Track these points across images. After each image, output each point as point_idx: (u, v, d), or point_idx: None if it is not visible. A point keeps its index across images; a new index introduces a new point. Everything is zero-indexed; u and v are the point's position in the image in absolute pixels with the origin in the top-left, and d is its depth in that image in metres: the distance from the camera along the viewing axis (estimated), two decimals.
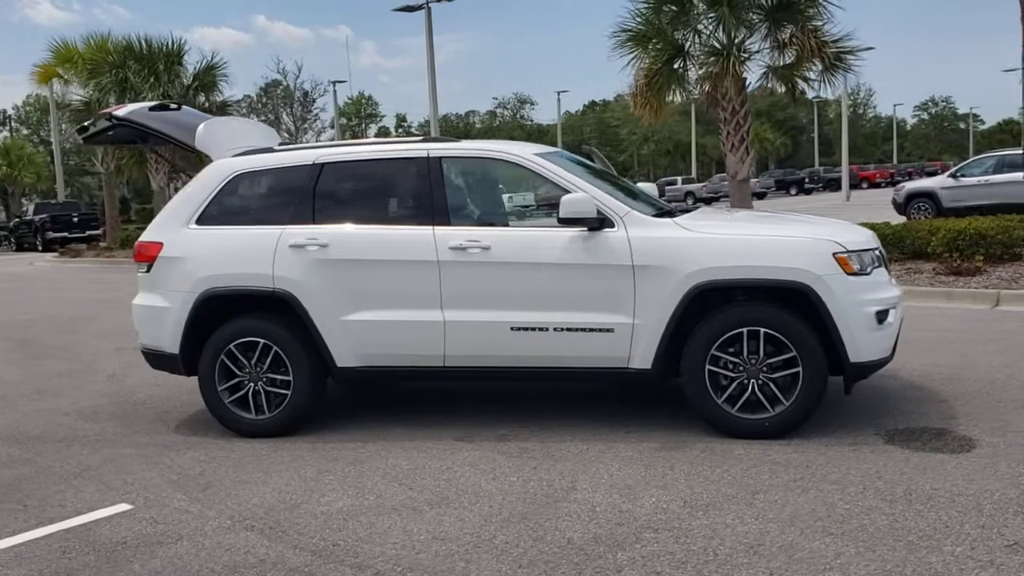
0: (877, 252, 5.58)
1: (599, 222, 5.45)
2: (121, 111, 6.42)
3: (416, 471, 5.15)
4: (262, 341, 5.90)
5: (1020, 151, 25.16)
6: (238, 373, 5.98)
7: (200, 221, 6.09)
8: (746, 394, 5.34)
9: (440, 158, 5.83)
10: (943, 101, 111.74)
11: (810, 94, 16.01)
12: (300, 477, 5.16)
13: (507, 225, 6.10)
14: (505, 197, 6.77)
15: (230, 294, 5.94)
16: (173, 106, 6.72)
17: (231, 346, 5.94)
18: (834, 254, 5.27)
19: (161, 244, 6.11)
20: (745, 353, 5.33)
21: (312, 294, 5.77)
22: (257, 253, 5.88)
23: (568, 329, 5.52)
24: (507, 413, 6.24)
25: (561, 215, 5.39)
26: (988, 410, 5.76)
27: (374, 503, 4.68)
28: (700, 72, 13.52)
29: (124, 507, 4.83)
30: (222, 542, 4.29)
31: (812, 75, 13.53)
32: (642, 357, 5.46)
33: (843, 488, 4.54)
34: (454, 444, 5.62)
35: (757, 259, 5.29)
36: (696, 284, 5.29)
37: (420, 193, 5.83)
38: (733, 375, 5.36)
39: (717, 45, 13.68)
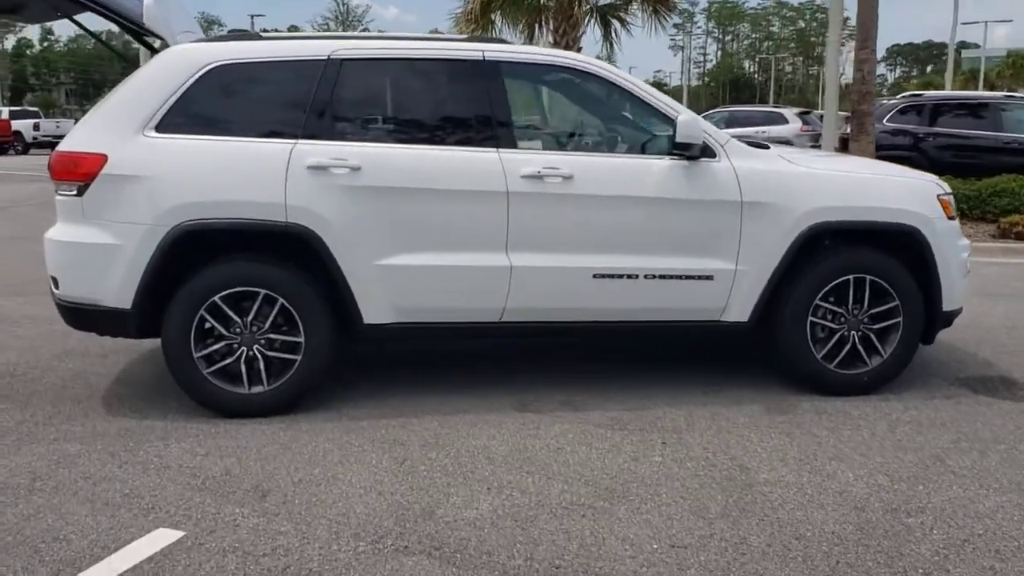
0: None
1: (701, 150, 4.67)
2: None
3: (522, 454, 4.13)
4: (263, 291, 4.45)
5: (746, 107, 27.39)
6: (225, 334, 4.48)
7: (161, 128, 4.43)
8: (846, 347, 4.90)
9: (498, 62, 4.67)
10: None
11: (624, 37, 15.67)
12: (381, 469, 3.93)
13: (585, 150, 5.07)
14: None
15: (220, 229, 4.39)
16: None
17: (216, 299, 4.43)
18: (938, 196, 4.95)
19: (104, 156, 4.36)
20: (849, 303, 4.86)
21: (338, 231, 4.43)
22: (260, 175, 4.40)
23: (661, 276, 4.71)
24: (537, 373, 5.30)
25: (678, 139, 4.54)
26: (995, 356, 5.82)
27: (527, 502, 3.63)
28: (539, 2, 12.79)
29: (173, 534, 3.35)
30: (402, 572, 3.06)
31: (634, 18, 13.36)
32: (740, 308, 4.81)
33: (1014, 446, 4.25)
34: (522, 416, 4.63)
35: (875, 199, 4.83)
36: (811, 226, 4.72)
37: (476, 106, 4.64)
38: (834, 327, 4.89)
39: None
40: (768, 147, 5.08)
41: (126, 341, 5.16)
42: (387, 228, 4.48)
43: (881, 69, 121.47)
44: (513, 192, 4.53)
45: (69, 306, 4.54)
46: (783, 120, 22.59)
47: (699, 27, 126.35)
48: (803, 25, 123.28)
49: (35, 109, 44.01)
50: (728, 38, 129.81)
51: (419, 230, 4.52)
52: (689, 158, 4.67)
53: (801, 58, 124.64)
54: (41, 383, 5.16)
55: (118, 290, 4.38)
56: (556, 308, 4.73)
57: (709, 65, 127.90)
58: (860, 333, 4.91)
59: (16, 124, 35.22)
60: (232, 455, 4.09)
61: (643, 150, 4.91)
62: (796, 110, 24.31)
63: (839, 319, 4.88)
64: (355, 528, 3.40)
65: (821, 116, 23.30)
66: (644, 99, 4.77)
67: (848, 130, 15.67)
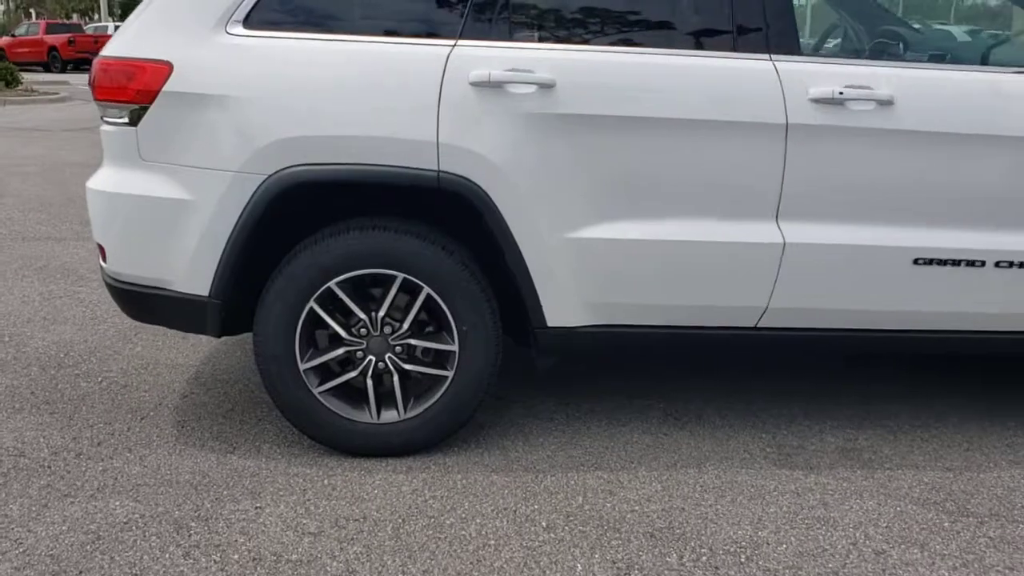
0: None
1: None
2: None
3: (821, 562, 2.53)
4: (400, 276, 2.91)
5: None
6: (345, 337, 2.97)
7: (251, 22, 2.88)
8: None
9: None
10: None
11: None
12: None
13: (905, 59, 3.30)
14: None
15: (338, 180, 2.84)
16: None
17: (332, 285, 2.91)
18: None
19: (168, 65, 2.85)
20: None
21: (515, 185, 2.82)
22: (399, 96, 2.81)
23: (1021, 265, 2.96)
24: (780, 393, 3.66)
25: None
26: None
27: None
28: None
29: None
30: None
31: None
32: None
33: None
34: (790, 476, 3.02)
35: None
36: None
37: None
38: None
39: None
40: None
41: None
42: (589, 182, 2.86)
43: None
44: (795, 125, 2.84)
45: (122, 288, 3.10)
46: None
47: None
48: None
49: None
50: None
51: (638, 185, 2.88)
52: None
53: None
54: (96, 380, 3.80)
55: (190, 266, 2.92)
56: (848, 310, 3.04)
57: None
58: None
59: None
60: (356, 538, 2.61)
61: (986, 60, 3.11)
62: None
63: None
64: None
65: None
66: None
67: None
